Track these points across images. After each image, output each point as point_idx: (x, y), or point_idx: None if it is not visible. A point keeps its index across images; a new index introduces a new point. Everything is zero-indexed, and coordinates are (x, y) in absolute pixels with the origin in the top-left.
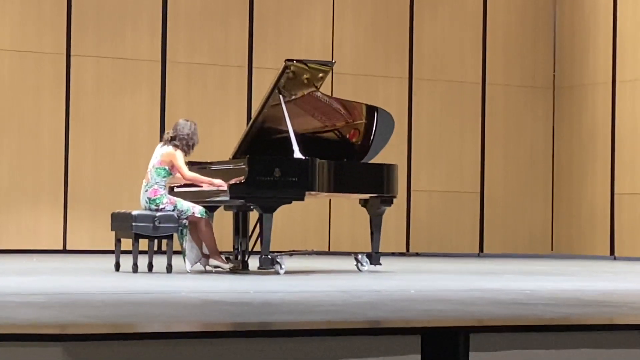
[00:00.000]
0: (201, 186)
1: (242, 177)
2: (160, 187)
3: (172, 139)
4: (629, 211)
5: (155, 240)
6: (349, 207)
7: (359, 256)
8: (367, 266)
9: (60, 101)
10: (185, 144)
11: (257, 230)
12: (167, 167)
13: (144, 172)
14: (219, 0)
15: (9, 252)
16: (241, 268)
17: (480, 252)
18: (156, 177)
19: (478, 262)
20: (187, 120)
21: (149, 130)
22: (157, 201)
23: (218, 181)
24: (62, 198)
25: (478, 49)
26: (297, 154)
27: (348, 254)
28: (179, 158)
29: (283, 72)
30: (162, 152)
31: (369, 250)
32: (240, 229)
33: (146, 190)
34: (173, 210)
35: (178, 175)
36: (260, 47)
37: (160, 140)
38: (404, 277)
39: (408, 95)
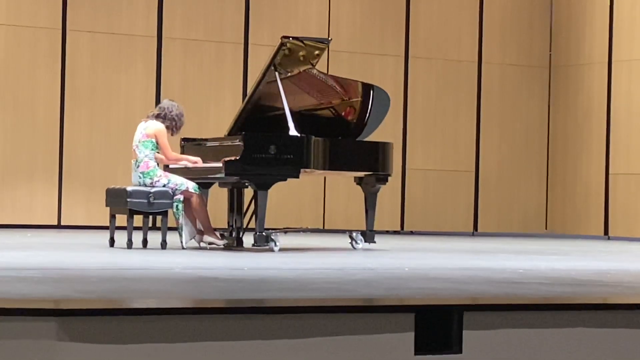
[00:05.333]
0: (185, 163)
1: (238, 154)
2: (151, 159)
3: (159, 116)
4: (623, 191)
5: (150, 216)
6: (343, 185)
7: (354, 234)
8: (361, 244)
9: (56, 76)
10: (174, 125)
11: (252, 207)
12: (153, 140)
13: (132, 151)
14: None
15: (3, 227)
16: (235, 245)
17: (475, 231)
18: (144, 150)
19: (472, 241)
20: (174, 102)
21: (144, 106)
22: (151, 174)
23: (194, 158)
24: (57, 173)
25: (474, 27)
26: (293, 131)
27: (342, 231)
28: (165, 136)
29: (279, 49)
30: (147, 126)
31: (364, 228)
32: (235, 206)
33: (137, 167)
34: (167, 183)
35: (159, 155)
36: (257, 24)
37: (145, 118)
38: (398, 255)
39: (404, 73)
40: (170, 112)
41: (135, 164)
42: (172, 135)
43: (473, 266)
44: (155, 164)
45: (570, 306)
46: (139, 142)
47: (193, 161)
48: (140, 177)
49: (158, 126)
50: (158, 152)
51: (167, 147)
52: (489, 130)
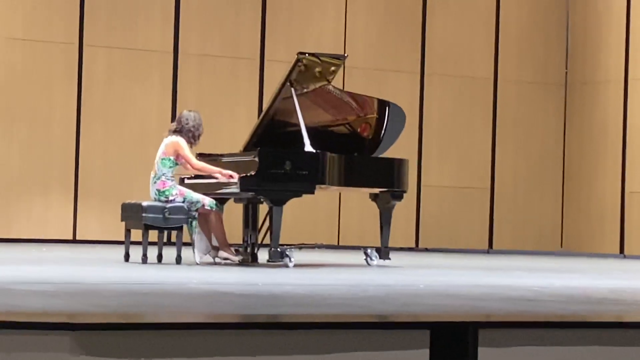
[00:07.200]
0: (215, 177)
1: (253, 170)
2: (168, 179)
3: (176, 130)
4: (639, 209)
5: (165, 232)
6: (358, 201)
7: (368, 250)
8: (376, 260)
9: (72, 91)
10: (191, 136)
11: (267, 223)
12: (172, 157)
13: (154, 163)
14: None
15: (19, 241)
16: (250, 260)
17: (490, 249)
18: (162, 169)
19: (487, 258)
20: (191, 111)
21: (159, 121)
22: (167, 193)
23: (228, 172)
24: (72, 188)
25: (490, 44)
26: (308, 147)
27: (357, 248)
28: (185, 147)
29: (295, 65)
30: (167, 142)
31: (378, 244)
32: (250, 222)
33: (154, 182)
34: (183, 201)
35: (188, 165)
36: (272, 40)
37: (167, 133)
38: (413, 272)
39: (419, 90)
40: (187, 124)
41: (153, 178)
42: (191, 147)
43: (488, 283)
44: (172, 183)
45: (585, 324)
46: (160, 158)
47: (227, 175)
48: (156, 194)
49: (176, 141)
50: (178, 166)
51: (189, 158)
52: (504, 148)
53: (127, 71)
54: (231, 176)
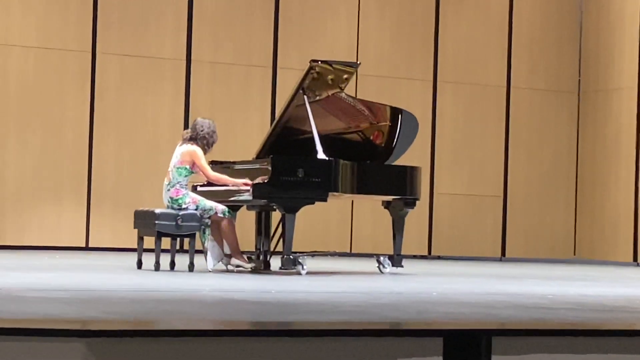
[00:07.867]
0: (226, 185)
1: (266, 177)
2: (182, 187)
3: (192, 138)
4: None
5: (178, 239)
6: (370, 208)
7: (381, 258)
8: (388, 268)
9: (85, 99)
10: (205, 142)
11: (280, 230)
12: (187, 166)
13: (167, 171)
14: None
15: (31, 249)
16: (263, 268)
17: (502, 256)
18: (177, 177)
19: (500, 266)
20: (205, 119)
21: (172, 129)
22: (180, 201)
23: (242, 180)
24: (85, 195)
25: (503, 52)
26: (321, 155)
27: (370, 255)
28: (201, 157)
29: (308, 72)
30: (182, 151)
31: (391, 252)
32: (262, 229)
33: (168, 190)
34: (196, 209)
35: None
36: (285, 48)
37: (181, 141)
38: (425, 280)
39: (432, 97)
40: (202, 130)
41: (167, 185)
42: (205, 153)
43: (501, 291)
44: (186, 191)
45: (599, 332)
46: (174, 167)
47: (240, 183)
48: (169, 201)
49: (193, 150)
50: (193, 175)
51: (205, 168)
52: (517, 155)
53: (140, 79)
54: (245, 184)
